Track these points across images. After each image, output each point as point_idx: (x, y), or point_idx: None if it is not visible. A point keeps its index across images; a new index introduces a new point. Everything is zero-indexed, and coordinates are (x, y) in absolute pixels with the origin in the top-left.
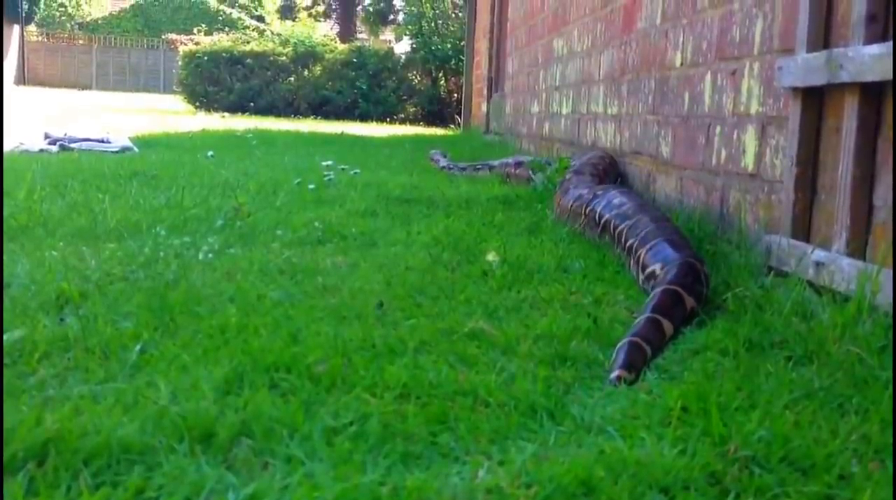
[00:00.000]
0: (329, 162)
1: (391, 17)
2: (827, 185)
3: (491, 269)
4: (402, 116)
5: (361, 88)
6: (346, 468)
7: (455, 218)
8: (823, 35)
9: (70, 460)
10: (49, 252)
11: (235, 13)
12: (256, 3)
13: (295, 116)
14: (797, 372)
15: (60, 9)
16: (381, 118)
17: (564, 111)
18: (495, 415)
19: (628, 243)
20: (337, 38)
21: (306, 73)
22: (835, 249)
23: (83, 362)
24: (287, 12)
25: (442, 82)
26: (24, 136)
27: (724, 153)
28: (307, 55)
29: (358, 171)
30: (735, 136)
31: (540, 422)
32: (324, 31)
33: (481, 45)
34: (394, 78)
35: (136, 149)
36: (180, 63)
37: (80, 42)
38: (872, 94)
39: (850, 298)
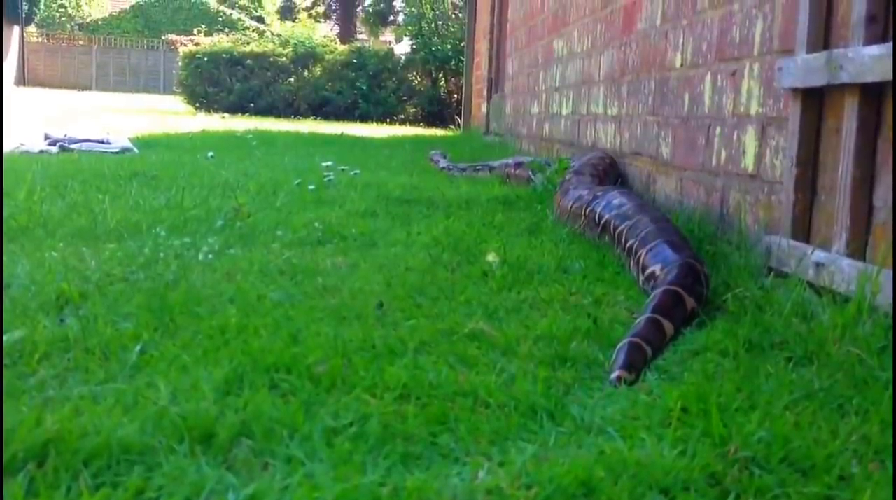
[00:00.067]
0: (329, 163)
1: (391, 17)
2: (827, 185)
3: (491, 269)
4: (402, 116)
5: (361, 89)
6: (347, 469)
7: (455, 219)
8: (823, 36)
9: (70, 460)
10: (49, 253)
11: (235, 14)
12: (256, 3)
13: (295, 116)
14: (797, 373)
15: (60, 9)
16: (381, 119)
17: (564, 112)
18: (495, 416)
19: (628, 244)
20: (337, 39)
21: (306, 73)
22: (835, 249)
23: (83, 362)
24: (287, 13)
25: (442, 83)
26: (25, 136)
27: (724, 154)
28: (307, 56)
29: (358, 171)
30: (735, 136)
31: (540, 423)
32: (324, 32)
33: (481, 46)
34: (394, 79)
35: (136, 150)
36: (180, 64)
37: (80, 43)
38: (872, 94)
39: (850, 298)
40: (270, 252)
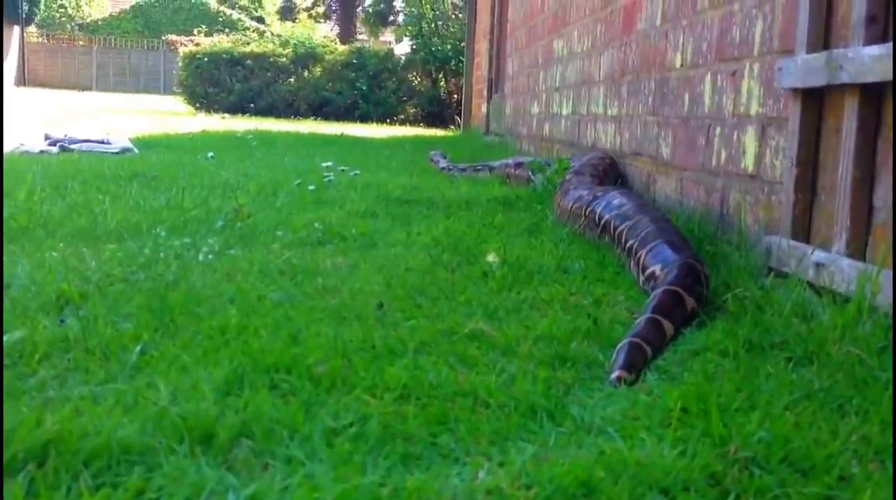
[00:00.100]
0: (329, 163)
1: (391, 18)
2: (827, 186)
3: (491, 270)
4: (402, 117)
5: (361, 89)
6: (347, 469)
7: (455, 219)
8: (823, 36)
9: (70, 461)
10: (49, 253)
11: (235, 14)
12: (256, 4)
13: (295, 117)
14: (797, 373)
15: (60, 10)
16: (381, 119)
17: (564, 112)
18: (495, 416)
19: (628, 244)
20: (337, 40)
21: (306, 74)
22: (835, 250)
23: (83, 363)
24: (287, 13)
25: (442, 83)
26: (25, 137)
27: (724, 154)
28: (307, 56)
29: (358, 172)
30: (735, 137)
31: (540, 423)
32: (324, 33)
33: (481, 47)
34: (394, 79)
35: (136, 150)
36: (180, 64)
37: (81, 43)
38: (872, 95)
39: (850, 299)
40: (270, 253)
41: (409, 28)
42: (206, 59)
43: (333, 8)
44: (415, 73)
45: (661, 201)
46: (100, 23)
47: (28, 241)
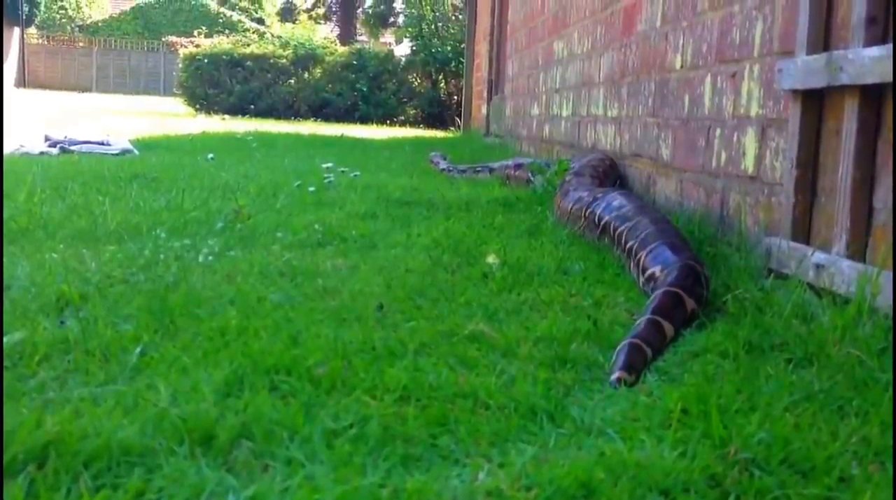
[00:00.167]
0: (329, 164)
1: (391, 19)
2: (827, 187)
3: (491, 271)
4: (403, 118)
5: (361, 91)
6: (347, 471)
7: (455, 220)
8: (823, 37)
9: (70, 462)
10: (49, 254)
11: (235, 16)
12: (256, 5)
13: (295, 118)
14: (797, 374)
15: (61, 11)
16: (381, 120)
17: (564, 114)
18: (495, 417)
19: (628, 246)
20: (337, 41)
21: (306, 75)
22: (835, 251)
23: (83, 364)
24: (287, 15)
25: (442, 85)
26: (25, 138)
27: (724, 155)
28: (307, 58)
29: (358, 173)
30: (735, 138)
31: (540, 424)
32: (324, 34)
33: (481, 48)
34: (394, 80)
35: (136, 151)
36: (180, 65)
37: (81, 44)
38: (872, 96)
39: (850, 300)
40: (270, 254)
41: (410, 29)
42: (206, 61)
43: (333, 9)
44: (415, 75)
45: (661, 203)
46: (100, 24)
47: (28, 242)
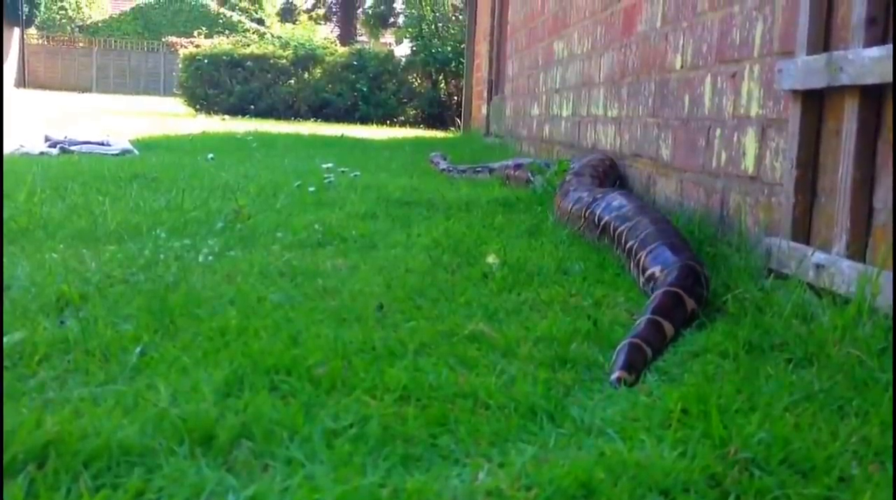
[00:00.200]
0: (329, 164)
1: (391, 19)
2: (827, 187)
3: (491, 271)
4: (403, 118)
5: (362, 91)
6: (347, 471)
7: (455, 220)
8: (823, 37)
9: (70, 462)
10: (49, 254)
11: (236, 16)
12: (256, 5)
13: (295, 118)
14: (797, 374)
15: (61, 11)
16: (381, 121)
17: (564, 114)
18: (495, 417)
19: (628, 246)
20: (337, 41)
21: (306, 75)
22: (835, 251)
23: (83, 364)
24: (287, 15)
25: (442, 85)
26: (25, 138)
27: (724, 156)
28: (307, 58)
29: (358, 173)
30: (735, 138)
31: (540, 424)
32: (324, 34)
33: (481, 48)
34: (394, 80)
35: (136, 151)
36: (180, 66)
37: (81, 45)
38: (872, 96)
39: (850, 300)
40: (270, 254)
41: (410, 30)
42: (206, 61)
43: (334, 9)
44: (415, 75)
45: (661, 203)
46: (100, 24)
47: (28, 242)
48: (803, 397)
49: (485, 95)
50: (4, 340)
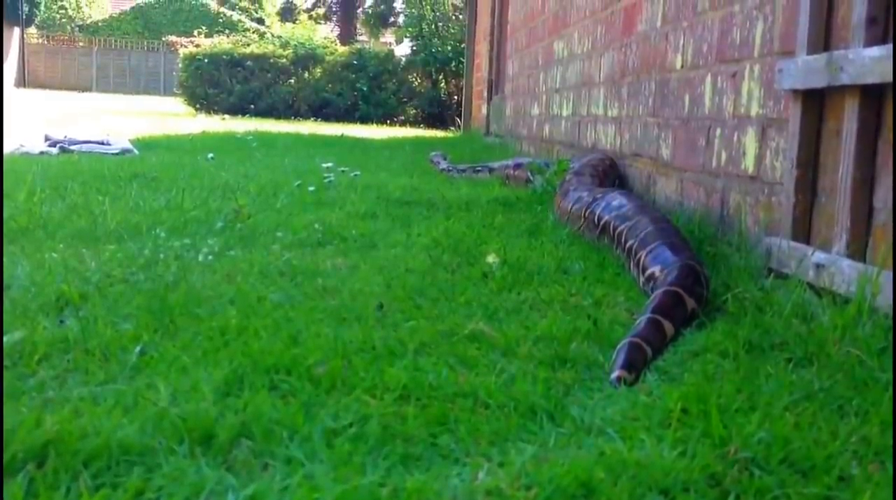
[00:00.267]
0: (329, 164)
1: (391, 19)
2: (827, 187)
3: (491, 271)
4: (403, 118)
5: (362, 90)
6: (346, 470)
7: (455, 220)
8: (824, 37)
9: (70, 461)
10: (49, 254)
11: (236, 16)
12: (257, 5)
13: (295, 118)
14: (797, 374)
15: (61, 11)
16: (381, 120)
17: (565, 113)
18: (495, 417)
19: (628, 245)
20: (337, 41)
21: (306, 75)
22: (835, 251)
23: (83, 363)
24: (287, 15)
25: (442, 84)
26: (25, 138)
27: (724, 155)
28: (307, 57)
29: (358, 173)
30: (735, 138)
31: (540, 424)
32: (324, 34)
33: (481, 48)
34: (394, 80)
35: (136, 151)
36: (180, 65)
37: (81, 44)
38: (873, 96)
39: (850, 300)
40: (270, 253)
41: (410, 29)
42: (206, 61)
43: (334, 9)
44: (415, 75)
45: (661, 202)
46: (100, 24)
47: (28, 242)
48: (803, 397)
49: (485, 94)
50: (4, 339)
